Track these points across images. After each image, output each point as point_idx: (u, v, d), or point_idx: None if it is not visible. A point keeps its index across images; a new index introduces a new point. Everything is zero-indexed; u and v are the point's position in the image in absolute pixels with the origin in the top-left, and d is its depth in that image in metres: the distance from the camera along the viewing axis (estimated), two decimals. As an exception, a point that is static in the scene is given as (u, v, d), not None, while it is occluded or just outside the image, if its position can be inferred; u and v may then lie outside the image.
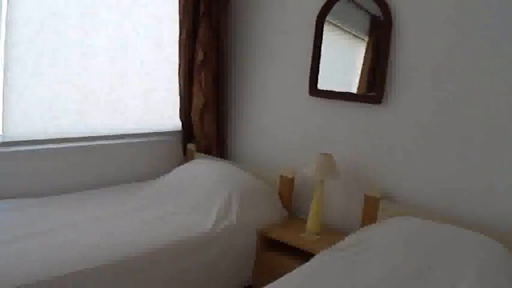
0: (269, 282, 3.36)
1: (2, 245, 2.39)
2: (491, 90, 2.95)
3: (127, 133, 3.94)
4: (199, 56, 4.02)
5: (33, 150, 3.27)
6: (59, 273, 2.26)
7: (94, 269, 2.38)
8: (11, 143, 3.20)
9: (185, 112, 4.25)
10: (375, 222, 3.32)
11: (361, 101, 3.47)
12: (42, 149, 3.32)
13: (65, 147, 3.45)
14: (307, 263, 2.67)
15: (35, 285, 2.15)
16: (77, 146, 3.53)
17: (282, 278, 2.45)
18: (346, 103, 3.60)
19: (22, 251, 2.37)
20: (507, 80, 2.89)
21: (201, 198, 3.44)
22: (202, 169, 3.75)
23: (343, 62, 3.57)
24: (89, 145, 3.61)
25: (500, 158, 2.95)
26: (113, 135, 3.84)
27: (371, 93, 3.42)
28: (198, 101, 4.12)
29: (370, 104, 3.48)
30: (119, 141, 3.84)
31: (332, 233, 3.54)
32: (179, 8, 3.94)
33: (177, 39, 4.12)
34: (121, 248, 2.60)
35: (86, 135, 3.63)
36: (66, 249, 2.46)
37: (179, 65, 4.09)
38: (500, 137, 2.94)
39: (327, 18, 3.62)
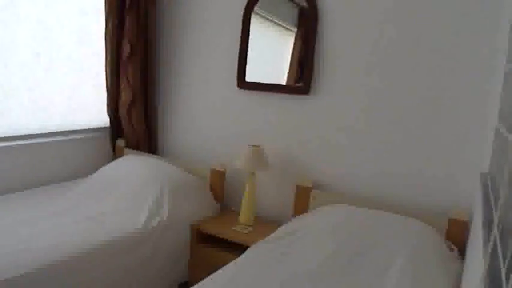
0: (205, 276, 3.37)
1: None
2: (416, 80, 3.04)
3: (53, 131, 3.83)
4: (126, 49, 3.95)
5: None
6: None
7: (23, 276, 2.29)
8: None
9: (113, 107, 4.17)
10: (306, 212, 3.37)
11: (290, 92, 3.50)
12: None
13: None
14: (241, 256, 2.69)
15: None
16: (0, 147, 3.41)
17: (216, 273, 2.46)
18: (275, 95, 3.63)
19: None
20: (429, 68, 2.99)
21: (131, 196, 3.39)
22: (132, 166, 3.70)
23: (272, 53, 3.59)
24: (13, 145, 3.48)
25: (426, 145, 3.05)
26: (38, 134, 3.72)
27: (299, 84, 3.46)
28: (125, 96, 4.05)
29: (299, 95, 3.52)
30: (44, 140, 3.73)
31: (265, 224, 3.57)
32: (105, -1, 3.87)
33: (103, 32, 4.04)
34: (50, 252, 2.51)
35: (9, 134, 3.50)
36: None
37: (106, 59, 4.01)
38: (425, 123, 3.03)
39: (255, 9, 3.63)
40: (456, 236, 2.86)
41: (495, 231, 1.18)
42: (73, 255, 2.56)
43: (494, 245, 1.13)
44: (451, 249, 2.75)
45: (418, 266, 2.45)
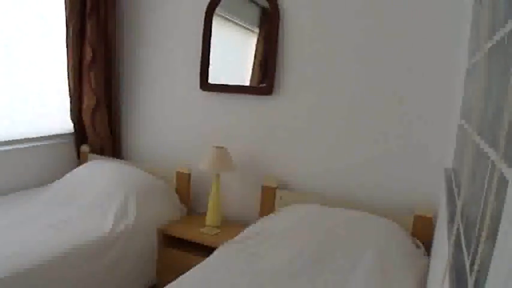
0: (174, 279, 3.35)
1: None
2: (380, 77, 3.08)
3: (17, 138, 3.77)
4: (88, 54, 3.91)
5: None
6: None
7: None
8: None
9: (76, 113, 4.12)
10: (273, 212, 3.38)
11: (253, 93, 3.52)
12: None
13: None
14: (209, 258, 2.69)
15: None
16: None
17: (185, 275, 2.45)
18: (239, 96, 3.64)
19: None
20: (394, 65, 3.03)
21: (97, 201, 3.36)
22: (97, 171, 3.67)
23: (235, 55, 3.59)
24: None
25: (392, 142, 3.09)
26: (2, 142, 3.66)
27: (262, 85, 3.47)
28: (89, 101, 4.01)
29: (262, 96, 3.53)
30: (7, 148, 3.67)
31: (232, 226, 3.58)
32: (65, 4, 3.80)
33: (64, 37, 3.99)
34: (16, 260, 2.48)
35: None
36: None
37: (68, 64, 3.96)
38: (390, 120, 3.07)
39: (217, 11, 3.62)
40: (422, 233, 2.90)
41: (458, 224, 1.21)
42: (38, 263, 2.53)
43: (458, 238, 1.15)
44: (418, 246, 2.78)
45: (385, 264, 2.48)
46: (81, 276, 2.76)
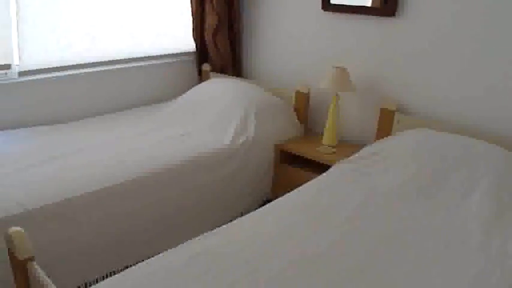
0: (287, 195, 3.45)
1: (30, 168, 2.50)
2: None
3: (141, 56, 3.95)
4: (210, -26, 3.97)
5: (49, 78, 3.31)
6: (85, 191, 2.37)
7: (118, 185, 2.49)
8: (27, 72, 3.23)
9: (198, 32, 4.23)
10: (390, 135, 3.35)
11: (375, 14, 3.44)
12: (58, 77, 3.36)
13: (81, 73, 3.49)
14: (322, 175, 2.74)
15: (68, 201, 2.29)
16: (92, 72, 3.57)
17: (301, 187, 2.53)
18: (360, 17, 3.56)
19: (49, 172, 2.47)
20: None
21: (218, 116, 3.49)
22: (218, 88, 3.79)
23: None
24: (104, 70, 3.64)
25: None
26: (127, 59, 3.85)
27: (385, 6, 3.38)
28: (211, 21, 4.09)
29: (384, 17, 3.43)
30: (133, 65, 3.87)
31: (348, 146, 3.58)
32: None
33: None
34: (142, 165, 2.69)
35: (101, 59, 3.65)
36: (90, 169, 2.56)
37: (190, -16, 4.05)
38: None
39: None
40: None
41: None
42: (162, 168, 2.73)
43: None
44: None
45: (501, 192, 2.41)
46: (201, 184, 2.95)
